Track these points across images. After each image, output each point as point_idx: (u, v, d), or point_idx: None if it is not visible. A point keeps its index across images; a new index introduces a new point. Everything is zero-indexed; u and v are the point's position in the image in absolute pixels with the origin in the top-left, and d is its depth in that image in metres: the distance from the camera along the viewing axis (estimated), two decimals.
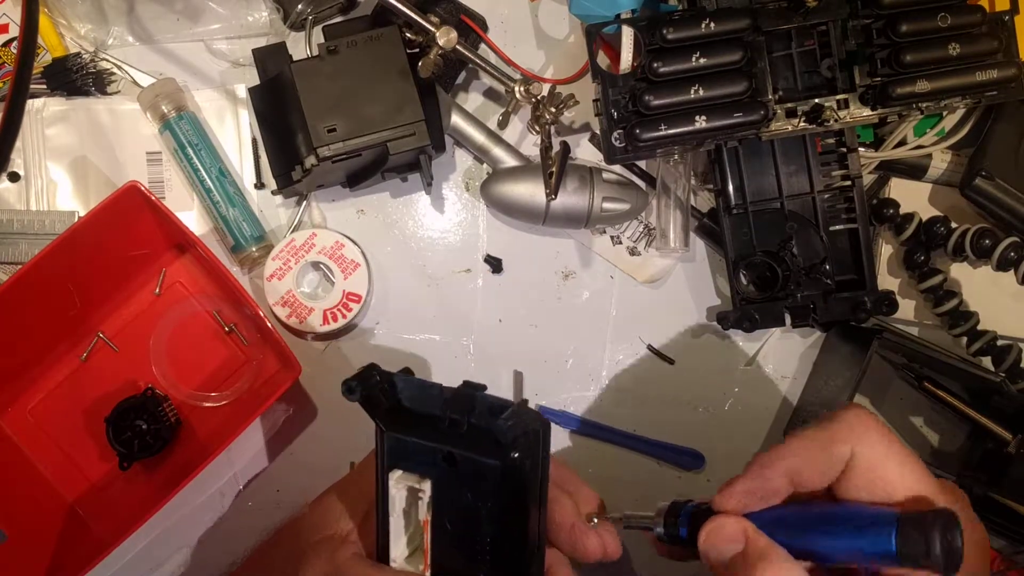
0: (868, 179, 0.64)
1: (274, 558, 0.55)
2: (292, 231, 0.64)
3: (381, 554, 0.44)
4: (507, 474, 0.40)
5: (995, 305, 0.63)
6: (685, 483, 0.64)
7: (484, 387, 0.42)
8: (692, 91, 0.54)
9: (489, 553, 0.42)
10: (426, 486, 0.42)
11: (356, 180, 0.62)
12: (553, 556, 0.46)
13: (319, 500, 0.51)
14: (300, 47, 0.62)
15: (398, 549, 0.44)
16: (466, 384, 0.42)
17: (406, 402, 0.42)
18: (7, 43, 0.64)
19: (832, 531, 0.39)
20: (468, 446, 0.41)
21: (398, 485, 0.43)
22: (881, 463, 0.40)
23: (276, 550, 0.56)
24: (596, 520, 0.47)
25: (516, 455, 0.39)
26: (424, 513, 0.42)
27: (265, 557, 0.58)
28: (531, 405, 0.64)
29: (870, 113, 0.57)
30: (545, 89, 0.61)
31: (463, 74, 0.65)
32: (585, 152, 0.65)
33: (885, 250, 0.65)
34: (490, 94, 0.66)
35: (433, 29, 0.57)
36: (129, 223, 0.57)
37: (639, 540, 0.48)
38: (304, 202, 0.64)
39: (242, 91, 0.64)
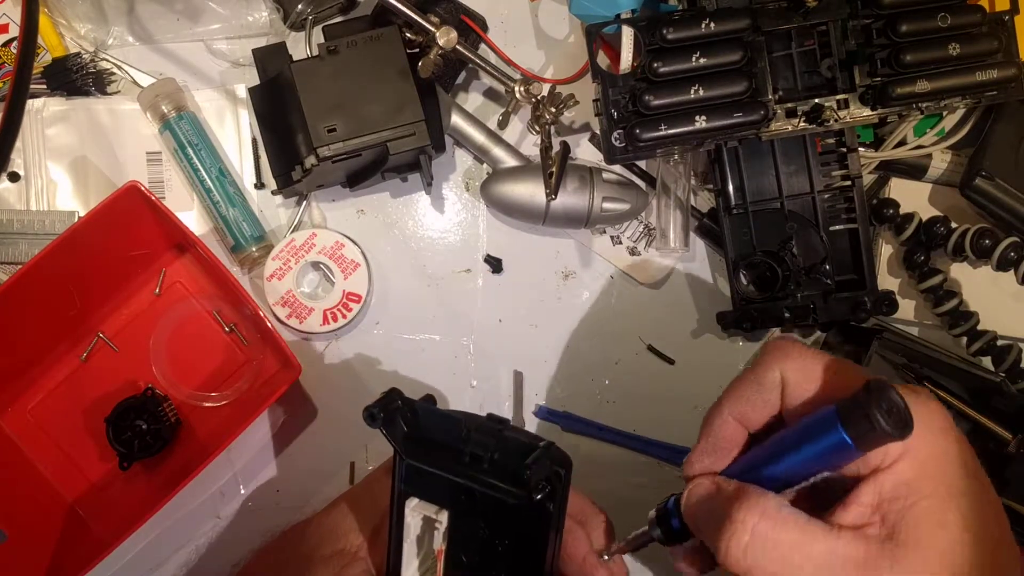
0: (868, 179, 0.64)
1: (279, 564, 0.55)
2: (292, 231, 0.64)
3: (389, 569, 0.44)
4: (528, 514, 0.40)
5: (995, 305, 0.63)
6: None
7: (507, 421, 0.42)
8: (692, 91, 0.54)
9: None
10: (443, 517, 0.42)
11: (356, 180, 0.62)
12: None
13: (329, 510, 0.51)
14: (300, 47, 0.62)
15: (409, 573, 0.44)
16: (490, 418, 0.42)
17: (427, 431, 0.42)
18: (7, 43, 0.64)
19: (792, 451, 0.39)
20: (489, 484, 0.40)
21: (414, 513, 0.43)
22: (809, 374, 0.40)
23: (281, 556, 0.56)
24: (608, 556, 0.47)
25: (539, 497, 0.39)
26: (439, 543, 0.42)
27: (270, 560, 0.57)
28: (531, 405, 0.64)
29: (870, 113, 0.57)
30: (545, 89, 0.61)
31: (463, 74, 0.65)
32: (585, 152, 0.65)
33: (885, 250, 0.65)
34: (490, 94, 0.66)
35: (433, 29, 0.57)
36: (129, 223, 0.57)
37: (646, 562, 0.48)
38: (304, 202, 0.64)
39: (242, 91, 0.64)
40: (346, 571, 0.46)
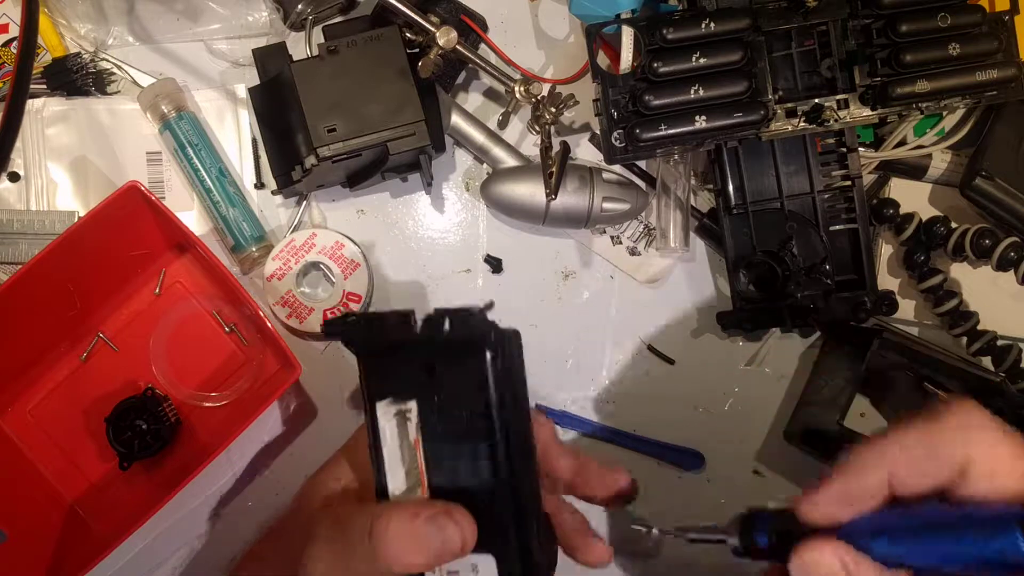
0: (868, 179, 0.64)
1: (286, 532, 0.53)
2: (292, 231, 0.64)
3: (380, 491, 0.44)
4: (486, 372, 0.41)
5: (995, 305, 0.63)
6: (685, 483, 0.64)
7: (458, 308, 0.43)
8: (692, 91, 0.54)
9: (485, 461, 0.42)
10: (411, 405, 0.42)
11: (356, 180, 0.62)
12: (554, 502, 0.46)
13: (325, 464, 0.51)
14: (300, 47, 0.62)
15: (396, 482, 0.44)
16: (436, 310, 0.43)
17: (385, 335, 0.43)
18: (7, 43, 0.64)
19: (946, 538, 0.35)
20: (446, 356, 0.42)
21: (386, 414, 0.43)
22: (1001, 465, 0.35)
23: (290, 520, 0.54)
24: (656, 530, 0.45)
25: (490, 350, 0.40)
26: (413, 433, 0.42)
27: (279, 531, 0.56)
28: (531, 405, 0.64)
29: (870, 113, 0.57)
30: (545, 89, 0.61)
31: (463, 74, 0.65)
32: (585, 152, 0.65)
33: (885, 250, 0.65)
34: (490, 94, 0.66)
35: (433, 29, 0.57)
36: (129, 223, 0.57)
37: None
38: (304, 202, 0.64)
39: (242, 91, 0.64)
40: (340, 508, 0.45)
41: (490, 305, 0.41)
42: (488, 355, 0.41)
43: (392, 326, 0.43)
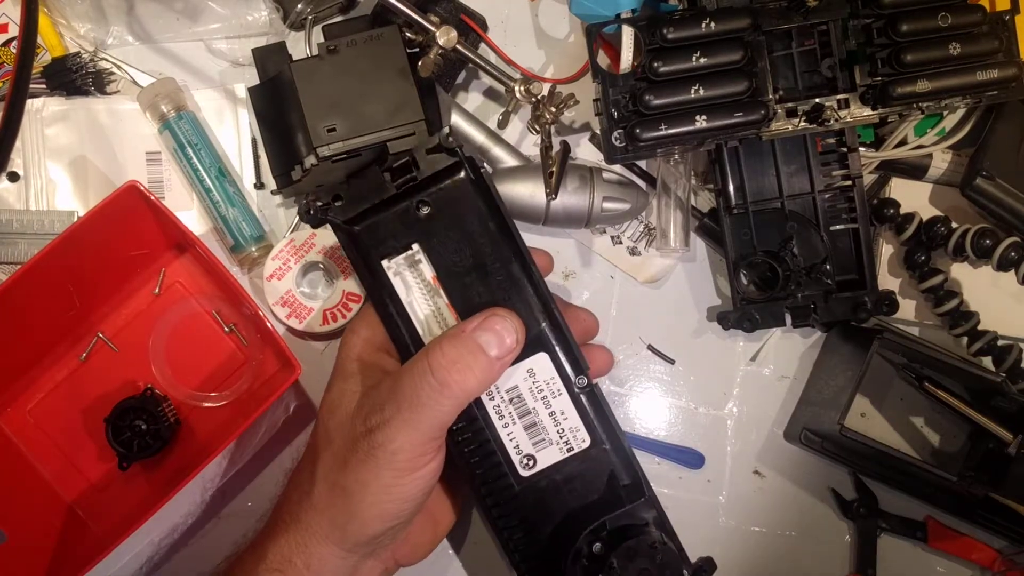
0: (868, 179, 0.64)
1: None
2: (292, 231, 0.64)
3: (413, 342, 0.45)
4: (471, 180, 0.44)
5: (995, 305, 0.63)
6: (685, 483, 0.64)
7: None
8: (692, 91, 0.54)
9: (500, 267, 0.44)
10: (416, 247, 0.44)
11: None
12: None
13: (346, 332, 0.50)
14: (300, 47, 0.62)
15: (424, 327, 0.45)
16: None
17: (359, 202, 0.45)
18: (7, 43, 0.64)
19: None
20: (423, 184, 0.44)
21: (394, 268, 0.45)
22: None
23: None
24: None
25: (466, 165, 0.43)
26: (429, 271, 0.44)
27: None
28: None
29: (870, 113, 0.57)
30: (545, 89, 0.61)
31: (463, 74, 0.65)
32: (585, 152, 0.65)
33: (885, 250, 0.65)
34: (490, 94, 0.66)
35: (433, 29, 0.57)
36: (129, 223, 0.57)
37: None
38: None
39: (242, 91, 0.64)
40: (395, 375, 0.44)
41: (449, 132, 0.45)
42: (465, 171, 0.44)
43: (370, 188, 0.45)
